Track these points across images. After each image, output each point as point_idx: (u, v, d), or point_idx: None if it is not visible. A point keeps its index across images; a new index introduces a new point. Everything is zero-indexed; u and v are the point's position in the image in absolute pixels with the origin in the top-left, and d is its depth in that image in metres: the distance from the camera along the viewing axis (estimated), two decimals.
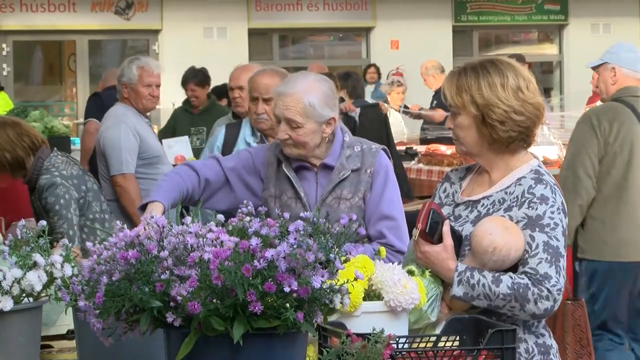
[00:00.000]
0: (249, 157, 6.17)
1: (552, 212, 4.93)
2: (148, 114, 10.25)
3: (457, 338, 4.57)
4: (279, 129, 5.86)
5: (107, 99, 12.55)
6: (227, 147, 7.45)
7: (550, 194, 4.97)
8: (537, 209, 4.93)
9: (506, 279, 4.81)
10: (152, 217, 3.82)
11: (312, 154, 5.83)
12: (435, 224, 4.87)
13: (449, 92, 5.12)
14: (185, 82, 16.51)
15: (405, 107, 20.54)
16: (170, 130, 15.90)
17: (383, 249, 5.01)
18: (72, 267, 3.73)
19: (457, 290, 4.83)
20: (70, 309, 3.95)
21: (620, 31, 26.54)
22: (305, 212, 3.89)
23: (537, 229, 4.88)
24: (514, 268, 4.89)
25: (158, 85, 10.07)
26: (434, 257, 4.87)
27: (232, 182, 5.93)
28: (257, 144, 7.00)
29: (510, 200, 5.01)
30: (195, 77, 16.44)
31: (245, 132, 7.45)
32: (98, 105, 13.17)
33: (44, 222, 3.97)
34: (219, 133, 7.84)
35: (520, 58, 19.06)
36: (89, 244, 3.82)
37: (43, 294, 3.61)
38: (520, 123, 4.99)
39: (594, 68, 10.64)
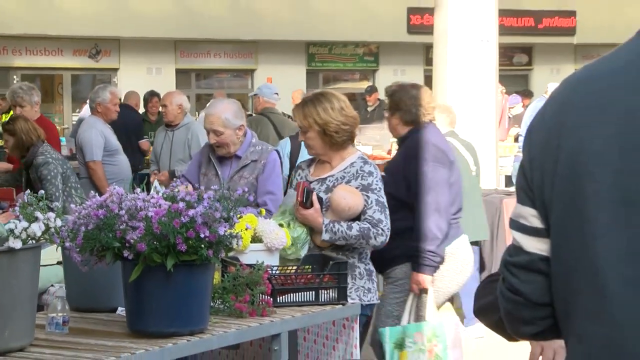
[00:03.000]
0: (198, 156, 6.26)
1: (377, 182, 5.10)
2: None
3: (310, 267, 4.66)
4: (209, 138, 5.92)
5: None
6: (294, 154, 6.94)
7: (374, 170, 5.15)
8: (367, 179, 5.08)
9: (355, 225, 4.98)
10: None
11: (232, 150, 5.84)
12: (308, 195, 4.98)
13: (298, 117, 5.31)
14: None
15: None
16: None
17: (263, 210, 5.10)
18: (61, 220, 3.68)
19: (325, 236, 4.95)
20: (60, 248, 3.90)
21: (410, 74, 26.67)
22: (219, 185, 4.02)
23: (369, 192, 5.05)
24: (356, 218, 5.02)
25: (119, 104, 10.21)
26: (309, 217, 4.96)
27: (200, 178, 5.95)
28: None
29: (348, 176, 5.13)
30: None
31: None
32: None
33: (42, 192, 3.91)
34: (286, 143, 7.10)
35: (373, 89, 19.11)
36: (72, 206, 3.82)
37: (42, 238, 3.55)
38: (347, 130, 5.15)
39: (253, 96, 12.27)
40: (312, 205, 4.95)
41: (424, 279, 5.54)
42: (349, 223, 4.97)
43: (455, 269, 5.75)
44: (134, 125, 11.60)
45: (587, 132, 1.79)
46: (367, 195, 5.02)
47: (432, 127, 5.88)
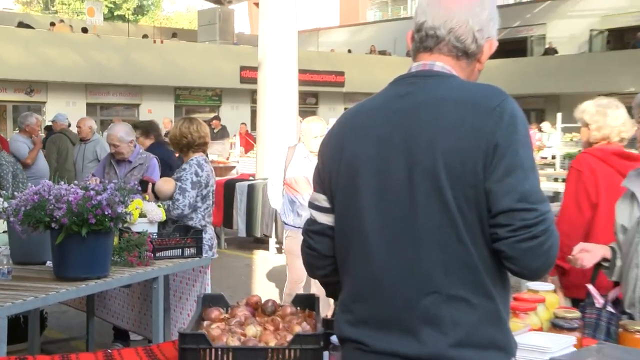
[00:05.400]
0: (103, 161, 5.92)
1: (186, 175, 4.97)
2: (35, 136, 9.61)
3: (177, 234, 4.54)
4: (110, 149, 5.72)
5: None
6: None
7: (187, 167, 5.00)
8: (180, 173, 4.99)
9: (165, 203, 4.86)
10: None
11: (126, 156, 5.63)
12: (144, 183, 4.97)
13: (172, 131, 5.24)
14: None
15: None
16: None
17: (147, 196, 4.91)
18: (7, 203, 3.49)
19: None
20: (5, 222, 3.71)
21: (242, 109, 26.65)
22: (117, 180, 3.90)
23: (178, 181, 4.95)
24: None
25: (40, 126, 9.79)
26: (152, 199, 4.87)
27: (104, 175, 5.68)
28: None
29: (180, 172, 5.02)
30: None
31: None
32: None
33: None
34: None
35: (217, 118, 18.98)
36: (16, 194, 3.62)
37: None
38: (174, 142, 5.10)
39: (52, 121, 10.80)
40: (146, 190, 4.89)
41: None
42: (168, 201, 4.91)
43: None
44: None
45: (358, 148, 1.80)
46: (176, 183, 4.95)
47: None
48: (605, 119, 3.70)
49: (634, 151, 3.87)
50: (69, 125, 12.97)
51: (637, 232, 2.80)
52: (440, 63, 1.80)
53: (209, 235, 5.08)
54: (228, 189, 10.40)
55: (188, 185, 4.94)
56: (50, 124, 14.83)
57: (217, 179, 6.78)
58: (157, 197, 4.96)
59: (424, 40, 1.82)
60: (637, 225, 2.81)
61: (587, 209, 3.59)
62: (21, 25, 24.59)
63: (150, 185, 4.95)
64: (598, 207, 3.59)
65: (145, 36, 26.89)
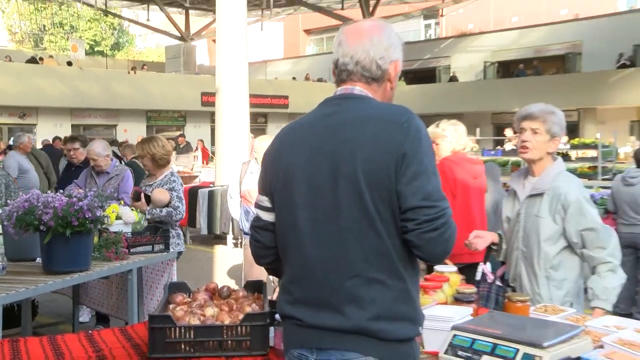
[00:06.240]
0: (85, 172, 5.65)
1: (177, 185, 4.86)
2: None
3: (147, 233, 4.43)
4: (90, 162, 5.49)
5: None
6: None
7: (176, 179, 4.89)
8: (171, 184, 4.86)
9: (165, 209, 4.76)
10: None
11: (104, 168, 5.44)
12: (137, 194, 4.80)
13: (138, 149, 5.03)
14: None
15: None
16: None
17: (122, 202, 4.77)
18: (1, 209, 3.37)
19: (148, 216, 4.68)
20: (0, 225, 3.58)
21: (203, 128, 26.32)
22: (97, 188, 3.79)
23: (172, 191, 4.82)
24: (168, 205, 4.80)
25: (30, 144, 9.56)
26: (138, 206, 4.69)
27: (86, 185, 5.48)
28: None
29: (163, 183, 4.91)
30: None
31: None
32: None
33: None
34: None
35: (182, 135, 18.67)
36: (9, 201, 3.50)
37: None
38: (165, 158, 4.95)
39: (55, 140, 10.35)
40: (139, 199, 4.77)
41: None
42: (162, 208, 4.77)
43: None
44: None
45: (294, 157, 1.79)
46: (171, 193, 4.82)
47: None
48: (460, 134, 4.26)
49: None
50: (53, 139, 12.62)
51: (517, 222, 2.92)
52: (359, 87, 1.83)
53: (174, 232, 5.01)
54: (192, 194, 10.31)
55: (181, 194, 4.89)
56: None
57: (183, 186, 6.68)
58: (147, 205, 4.83)
59: (340, 74, 1.85)
60: (517, 217, 2.92)
61: (451, 199, 4.06)
62: (30, 61, 24.15)
63: (142, 195, 4.82)
64: (456, 197, 4.09)
65: (133, 68, 26.22)
